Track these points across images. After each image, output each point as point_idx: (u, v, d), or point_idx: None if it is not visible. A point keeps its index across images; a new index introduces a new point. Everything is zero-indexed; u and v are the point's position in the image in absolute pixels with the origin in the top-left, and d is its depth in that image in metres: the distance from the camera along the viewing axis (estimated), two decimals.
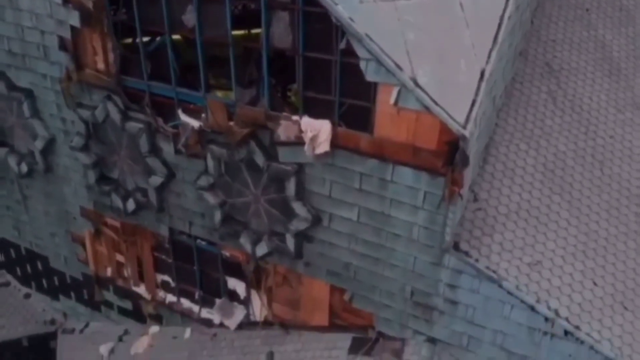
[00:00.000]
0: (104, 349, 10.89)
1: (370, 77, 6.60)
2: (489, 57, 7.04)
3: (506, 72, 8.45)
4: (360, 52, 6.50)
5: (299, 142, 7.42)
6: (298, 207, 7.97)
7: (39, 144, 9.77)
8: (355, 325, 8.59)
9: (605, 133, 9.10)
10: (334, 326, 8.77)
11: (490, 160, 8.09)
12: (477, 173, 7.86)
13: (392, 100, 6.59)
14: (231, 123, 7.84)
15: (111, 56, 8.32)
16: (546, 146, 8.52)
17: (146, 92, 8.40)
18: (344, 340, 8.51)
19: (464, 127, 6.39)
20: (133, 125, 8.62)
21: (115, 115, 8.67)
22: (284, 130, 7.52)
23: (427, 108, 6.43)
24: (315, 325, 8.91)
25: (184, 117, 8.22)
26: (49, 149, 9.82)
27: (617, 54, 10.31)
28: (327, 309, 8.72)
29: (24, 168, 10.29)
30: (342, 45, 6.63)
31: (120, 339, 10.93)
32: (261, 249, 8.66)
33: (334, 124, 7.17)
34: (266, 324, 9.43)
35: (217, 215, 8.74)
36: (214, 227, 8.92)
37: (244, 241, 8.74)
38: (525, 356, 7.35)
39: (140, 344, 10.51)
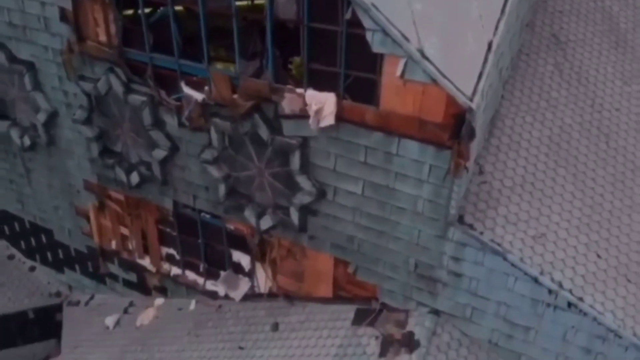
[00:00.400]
0: (109, 321, 11.02)
1: (376, 48, 6.52)
2: (496, 28, 6.95)
3: (513, 43, 8.35)
4: (367, 22, 6.41)
5: (303, 115, 7.37)
6: (302, 181, 7.97)
7: (41, 117, 9.71)
8: (359, 296, 8.67)
9: (611, 105, 9.04)
10: (338, 298, 8.85)
11: (495, 132, 8.05)
12: (483, 146, 7.83)
13: (398, 72, 6.52)
14: (235, 96, 7.78)
15: (113, 28, 8.22)
16: (552, 119, 8.46)
17: (148, 64, 8.32)
18: (348, 311, 8.59)
19: (471, 100, 6.34)
20: (136, 98, 8.56)
21: (118, 88, 8.60)
22: (288, 103, 7.46)
23: (434, 80, 6.37)
24: (320, 296, 8.99)
25: (187, 90, 8.16)
26: (51, 122, 9.77)
27: (624, 25, 10.18)
28: (331, 281, 8.79)
29: (27, 141, 10.25)
30: (348, 15, 6.53)
31: (125, 311, 11.05)
32: (265, 223, 8.69)
33: (339, 97, 7.11)
34: (271, 295, 9.51)
35: (222, 189, 8.74)
36: (218, 200, 8.93)
37: (249, 214, 8.76)
38: (528, 327, 7.43)
39: (146, 316, 10.62)
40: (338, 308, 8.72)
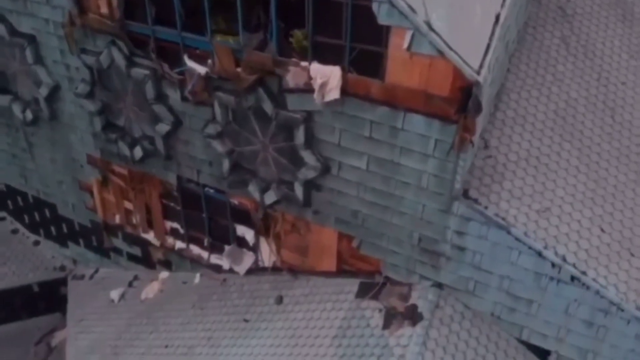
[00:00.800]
0: (114, 294, 11.11)
1: (382, 20, 6.44)
2: (503, 0, 6.85)
3: (519, 16, 8.25)
4: None
5: (308, 89, 7.31)
6: (307, 156, 7.95)
7: (43, 91, 9.65)
8: (362, 270, 8.72)
9: (617, 79, 8.97)
10: (341, 272, 8.91)
11: (501, 107, 8.00)
12: (488, 120, 7.79)
13: (405, 45, 6.45)
14: (238, 69, 7.71)
15: (114, 0, 8.11)
16: (557, 93, 8.41)
17: (151, 37, 8.23)
18: (352, 285, 8.66)
19: (478, 73, 6.28)
20: (138, 72, 8.49)
21: (120, 61, 8.52)
22: (292, 77, 7.40)
23: (441, 53, 6.30)
24: (324, 270, 9.05)
25: (190, 63, 8.08)
26: (53, 96, 9.71)
27: None
28: (335, 255, 8.83)
29: (29, 115, 10.20)
30: None
31: (130, 284, 11.14)
32: (270, 197, 8.70)
33: (344, 70, 7.05)
34: (275, 269, 9.57)
35: (225, 164, 8.73)
36: (222, 175, 8.92)
37: (253, 189, 8.76)
38: (531, 301, 7.49)
39: (151, 289, 10.71)
40: (342, 282, 8.78)
